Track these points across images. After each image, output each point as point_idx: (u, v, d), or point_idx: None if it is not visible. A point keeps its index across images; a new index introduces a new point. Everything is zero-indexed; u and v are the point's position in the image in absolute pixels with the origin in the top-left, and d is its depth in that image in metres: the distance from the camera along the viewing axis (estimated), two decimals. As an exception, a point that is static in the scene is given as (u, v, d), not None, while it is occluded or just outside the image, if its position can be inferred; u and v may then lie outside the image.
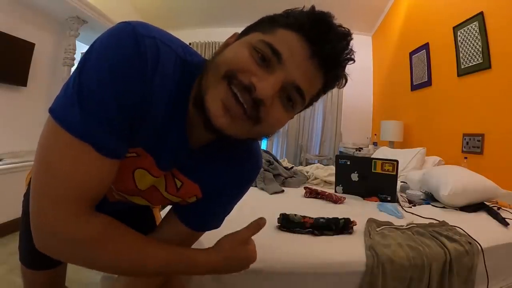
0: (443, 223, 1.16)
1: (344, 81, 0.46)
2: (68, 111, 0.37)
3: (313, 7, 0.43)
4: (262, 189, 1.74)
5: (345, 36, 0.42)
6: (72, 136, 0.37)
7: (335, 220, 1.05)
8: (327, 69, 0.43)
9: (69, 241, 0.40)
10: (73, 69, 2.72)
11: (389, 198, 1.56)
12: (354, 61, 0.43)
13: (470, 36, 2.14)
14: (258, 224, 0.61)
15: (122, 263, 0.45)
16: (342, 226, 1.04)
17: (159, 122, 0.43)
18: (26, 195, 0.71)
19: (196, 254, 0.53)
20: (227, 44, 0.46)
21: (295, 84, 0.41)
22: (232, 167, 0.57)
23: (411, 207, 1.47)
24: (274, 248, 0.92)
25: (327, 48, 0.40)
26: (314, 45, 0.40)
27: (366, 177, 1.63)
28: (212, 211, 0.61)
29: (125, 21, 0.40)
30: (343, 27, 0.42)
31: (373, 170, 1.60)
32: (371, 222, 1.13)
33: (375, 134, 3.73)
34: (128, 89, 0.38)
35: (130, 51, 0.37)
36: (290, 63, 0.40)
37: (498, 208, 1.43)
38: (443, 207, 1.48)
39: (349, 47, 0.42)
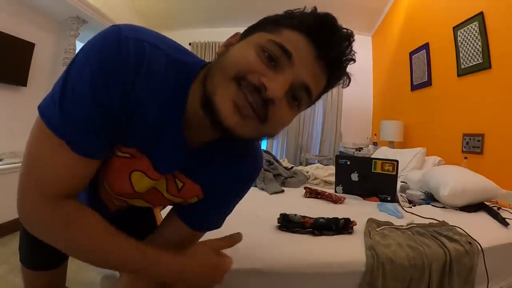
0: (443, 223, 1.16)
1: (348, 80, 0.47)
2: (51, 108, 0.40)
3: (315, 8, 0.43)
4: (262, 189, 1.74)
5: (348, 38, 0.42)
6: (50, 131, 0.39)
7: (335, 220, 1.05)
8: (331, 70, 0.44)
9: (39, 221, 0.44)
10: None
11: (389, 198, 1.56)
12: (355, 61, 0.44)
13: (470, 36, 2.14)
14: (234, 238, 0.61)
15: (84, 250, 0.46)
16: (342, 226, 1.04)
17: (152, 123, 0.43)
18: None
19: (160, 255, 0.50)
20: (229, 44, 0.46)
21: (304, 83, 0.42)
22: (233, 167, 0.57)
23: (411, 207, 1.47)
24: (274, 248, 0.92)
25: (333, 50, 0.41)
26: (319, 47, 0.41)
27: (366, 177, 1.63)
28: (213, 211, 0.61)
29: (114, 25, 0.42)
30: (346, 29, 0.43)
31: (373, 170, 1.60)
32: (371, 222, 1.13)
33: (375, 134, 3.72)
34: (107, 90, 0.39)
35: (111, 54, 0.38)
36: (299, 63, 0.41)
37: (498, 208, 1.43)
38: (443, 207, 1.48)
39: (351, 47, 0.43)
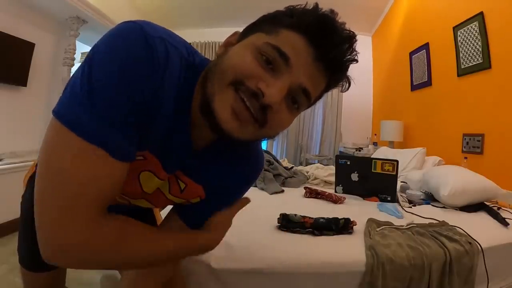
0: (443, 223, 1.16)
1: (347, 84, 0.47)
2: (77, 113, 0.35)
3: (316, 5, 0.43)
4: (262, 189, 1.74)
5: (350, 39, 0.42)
6: (82, 139, 0.35)
7: (335, 220, 1.05)
8: (331, 72, 0.43)
9: (89, 250, 0.39)
10: (73, 69, 2.72)
11: (389, 198, 1.56)
12: (357, 61, 0.43)
13: (470, 36, 2.14)
14: (243, 202, 0.64)
15: (136, 260, 0.46)
16: (342, 226, 1.04)
17: (166, 123, 0.43)
18: (25, 196, 0.71)
19: (198, 236, 0.56)
20: (228, 43, 0.46)
21: (302, 86, 0.42)
22: (235, 167, 0.57)
23: (411, 207, 1.47)
24: (274, 248, 0.92)
25: (333, 52, 0.41)
26: (319, 48, 0.40)
27: (366, 177, 1.62)
28: (213, 211, 0.61)
29: (131, 21, 0.39)
30: (347, 29, 0.42)
31: (373, 170, 1.60)
32: (371, 222, 1.13)
33: (375, 134, 3.72)
34: (140, 91, 0.37)
35: (141, 52, 0.37)
36: (297, 66, 0.40)
37: (498, 208, 1.43)
38: (443, 207, 1.48)
39: (352, 49, 0.42)
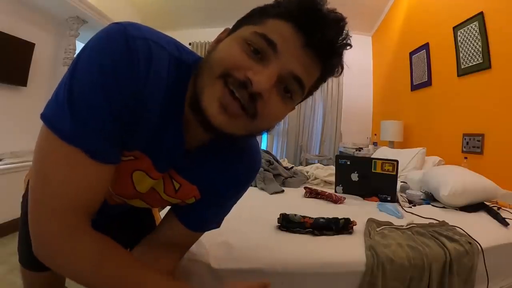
0: (443, 223, 1.16)
1: (340, 69, 0.45)
2: (59, 116, 0.36)
3: None
4: (262, 189, 1.74)
5: (338, 22, 0.40)
6: (64, 142, 0.36)
7: (335, 220, 1.05)
8: (323, 58, 0.41)
9: (63, 254, 0.40)
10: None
11: (389, 198, 1.56)
12: (351, 46, 0.42)
13: (470, 36, 2.14)
14: (265, 284, 0.56)
15: (112, 284, 0.44)
16: (342, 226, 1.04)
17: (155, 123, 0.43)
18: (25, 196, 0.71)
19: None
20: (219, 40, 0.45)
21: (293, 74, 0.40)
22: (230, 167, 0.57)
23: (411, 207, 1.47)
24: (274, 248, 0.92)
25: (320, 36, 0.39)
26: (306, 34, 0.39)
27: (366, 177, 1.62)
28: (211, 211, 0.61)
29: (116, 22, 0.40)
30: (336, 12, 0.40)
31: (373, 170, 1.60)
32: (371, 222, 1.13)
33: (375, 134, 3.72)
34: (119, 93, 0.37)
35: (121, 54, 0.37)
36: (285, 53, 0.39)
37: (498, 208, 1.43)
38: (443, 207, 1.48)
39: (344, 32, 0.41)
